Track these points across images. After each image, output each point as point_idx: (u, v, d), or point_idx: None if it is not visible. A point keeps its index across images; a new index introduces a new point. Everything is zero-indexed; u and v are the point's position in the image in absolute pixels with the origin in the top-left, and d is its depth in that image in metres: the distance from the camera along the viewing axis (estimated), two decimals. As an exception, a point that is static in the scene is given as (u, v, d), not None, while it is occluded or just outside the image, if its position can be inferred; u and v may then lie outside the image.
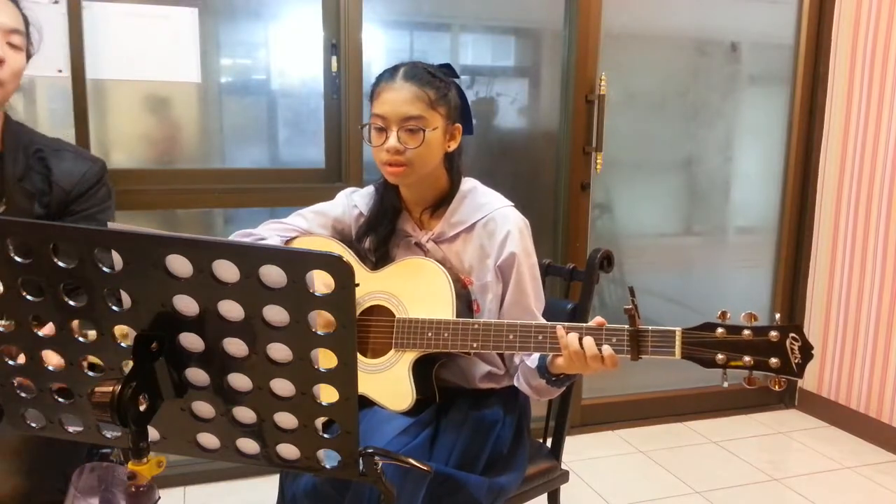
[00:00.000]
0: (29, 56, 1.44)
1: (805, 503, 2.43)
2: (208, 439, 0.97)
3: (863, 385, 2.91)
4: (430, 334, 1.38)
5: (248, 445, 0.96)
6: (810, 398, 3.15)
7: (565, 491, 1.72)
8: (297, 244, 1.54)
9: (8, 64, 1.37)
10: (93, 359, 0.95)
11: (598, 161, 2.72)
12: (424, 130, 1.41)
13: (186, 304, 0.88)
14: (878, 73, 2.82)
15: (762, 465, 2.68)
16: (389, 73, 1.45)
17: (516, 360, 1.48)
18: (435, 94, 1.42)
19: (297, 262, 0.83)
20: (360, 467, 0.95)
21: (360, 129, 1.49)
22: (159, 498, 0.94)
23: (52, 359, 0.94)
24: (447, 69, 1.49)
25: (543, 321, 1.47)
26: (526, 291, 1.47)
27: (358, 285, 1.40)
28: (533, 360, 1.41)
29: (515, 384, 1.51)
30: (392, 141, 1.41)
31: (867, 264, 2.88)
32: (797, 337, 1.17)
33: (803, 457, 2.78)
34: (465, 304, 1.45)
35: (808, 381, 3.15)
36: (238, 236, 1.58)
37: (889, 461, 2.73)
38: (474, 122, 1.59)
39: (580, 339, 1.27)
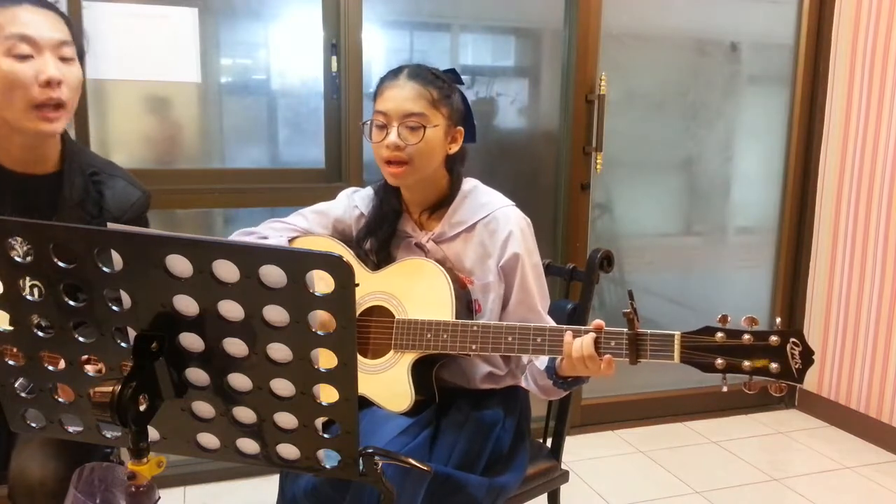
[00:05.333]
0: (82, 58, 1.39)
1: (805, 503, 2.43)
2: (208, 439, 0.97)
3: (863, 385, 2.91)
4: (429, 335, 1.38)
5: (248, 445, 0.96)
6: (810, 398, 3.15)
7: (565, 491, 1.72)
8: (297, 244, 1.54)
9: (66, 82, 1.33)
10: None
11: (598, 161, 2.72)
12: (425, 127, 1.41)
13: (186, 304, 0.88)
14: (878, 73, 2.81)
15: (762, 465, 2.68)
16: (394, 73, 1.46)
17: (524, 359, 1.49)
18: (438, 94, 1.43)
19: (297, 262, 0.83)
20: (360, 467, 0.95)
21: (362, 126, 1.49)
22: (159, 498, 0.95)
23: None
24: (452, 74, 1.50)
25: (548, 320, 1.47)
26: (531, 291, 1.47)
27: (358, 285, 1.40)
28: (542, 361, 1.42)
29: (523, 384, 1.52)
30: (392, 137, 1.41)
31: (867, 264, 2.88)
32: (798, 342, 1.16)
33: (803, 457, 2.78)
34: (465, 304, 1.44)
35: (809, 381, 3.15)
36: (239, 234, 1.58)
37: (889, 461, 2.73)
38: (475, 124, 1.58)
39: (581, 342, 1.27)
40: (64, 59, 1.34)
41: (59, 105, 1.33)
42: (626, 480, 2.55)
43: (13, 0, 1.31)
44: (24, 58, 1.29)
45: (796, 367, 1.16)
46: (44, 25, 1.32)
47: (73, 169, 1.43)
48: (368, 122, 1.47)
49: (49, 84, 1.31)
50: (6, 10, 1.30)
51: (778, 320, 1.21)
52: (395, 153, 1.42)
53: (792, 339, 1.17)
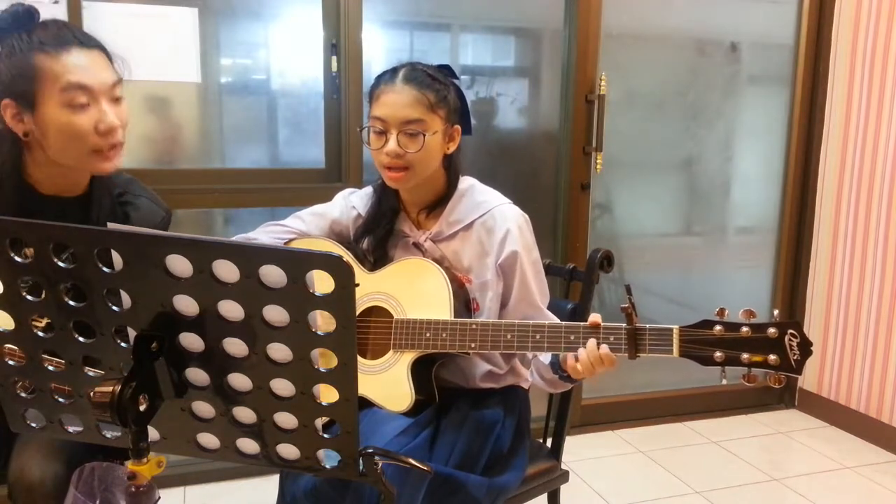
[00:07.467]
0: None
1: (805, 503, 2.43)
2: (208, 439, 0.97)
3: (863, 385, 2.91)
4: (428, 335, 1.38)
5: (248, 445, 0.96)
6: (810, 398, 3.15)
7: (565, 491, 1.72)
8: (295, 245, 1.54)
9: (122, 123, 1.33)
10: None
11: (598, 161, 2.72)
12: (424, 135, 1.41)
13: (186, 304, 0.88)
14: (878, 73, 2.81)
15: (762, 465, 2.68)
16: (389, 75, 1.45)
17: (528, 354, 1.49)
18: (434, 97, 1.42)
19: (297, 262, 0.83)
20: (360, 467, 0.95)
21: (360, 132, 1.49)
22: (159, 498, 0.95)
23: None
24: (447, 70, 1.49)
25: (549, 315, 1.48)
26: (530, 288, 1.47)
27: (358, 285, 1.40)
28: (546, 356, 1.42)
29: (529, 378, 1.53)
30: (392, 145, 1.41)
31: (867, 264, 2.88)
32: (796, 333, 1.17)
33: (803, 457, 2.78)
34: (463, 303, 1.45)
35: (808, 381, 3.16)
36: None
37: (889, 461, 2.73)
38: (474, 122, 1.59)
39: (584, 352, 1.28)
40: (116, 100, 1.32)
41: (116, 145, 1.33)
42: (626, 480, 2.55)
43: (61, 44, 1.26)
44: (82, 107, 1.27)
45: (794, 358, 1.17)
46: (96, 68, 1.29)
47: (101, 191, 1.42)
48: (367, 129, 1.46)
49: (108, 132, 1.30)
50: (57, 57, 1.25)
51: (776, 312, 1.21)
52: (395, 160, 1.42)
53: (790, 331, 1.17)
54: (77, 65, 1.27)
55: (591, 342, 1.27)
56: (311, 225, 1.59)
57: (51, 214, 1.37)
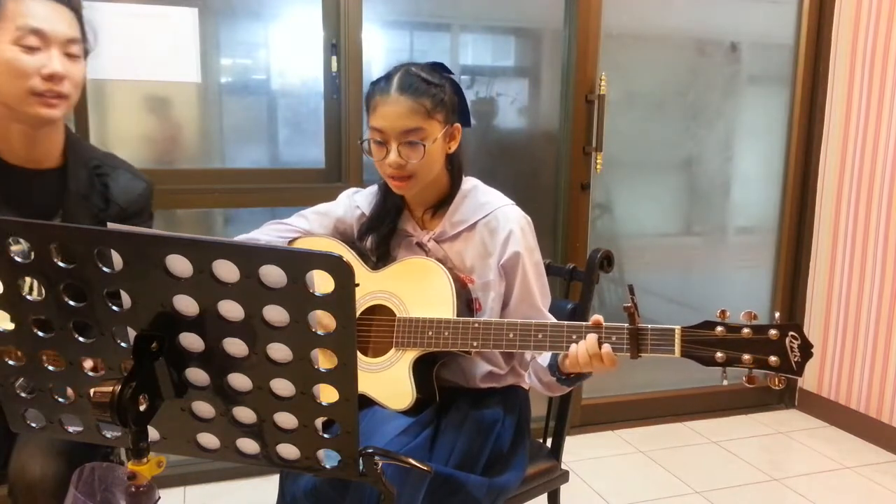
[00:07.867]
0: (87, 55, 1.41)
1: (805, 503, 2.43)
2: (208, 439, 0.97)
3: (863, 385, 2.91)
4: (430, 333, 1.38)
5: (248, 445, 0.96)
6: (810, 398, 3.15)
7: (565, 491, 1.72)
8: (298, 244, 1.54)
9: (69, 77, 1.35)
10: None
11: (598, 161, 2.72)
12: (424, 145, 1.40)
13: (186, 304, 0.88)
14: (878, 73, 2.81)
15: (762, 465, 2.68)
16: (384, 83, 1.43)
17: (527, 356, 1.49)
18: (431, 103, 1.41)
19: (297, 262, 0.83)
20: (360, 467, 0.95)
21: (360, 144, 1.49)
22: (159, 498, 0.95)
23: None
24: (440, 68, 1.48)
25: (549, 317, 1.48)
26: (531, 289, 1.47)
27: (358, 285, 1.40)
28: (544, 358, 1.42)
29: (527, 380, 1.52)
30: (393, 156, 1.41)
31: (867, 264, 2.88)
32: (797, 335, 1.18)
33: (803, 457, 2.78)
34: (465, 303, 1.45)
35: (808, 381, 3.15)
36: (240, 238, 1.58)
37: (889, 461, 2.73)
38: (474, 122, 1.59)
39: (584, 344, 1.28)
40: (70, 56, 1.35)
41: (59, 95, 1.34)
42: (626, 480, 2.55)
43: None
44: (31, 49, 1.31)
45: (795, 360, 1.18)
46: (56, 20, 1.33)
47: (76, 163, 1.43)
48: (367, 140, 1.45)
49: (52, 78, 1.32)
50: (22, 0, 1.30)
51: (777, 314, 1.22)
52: (398, 171, 1.42)
53: (791, 333, 1.18)
54: (37, 11, 1.31)
55: (592, 336, 1.28)
56: (314, 224, 1.59)
57: (26, 188, 1.39)
